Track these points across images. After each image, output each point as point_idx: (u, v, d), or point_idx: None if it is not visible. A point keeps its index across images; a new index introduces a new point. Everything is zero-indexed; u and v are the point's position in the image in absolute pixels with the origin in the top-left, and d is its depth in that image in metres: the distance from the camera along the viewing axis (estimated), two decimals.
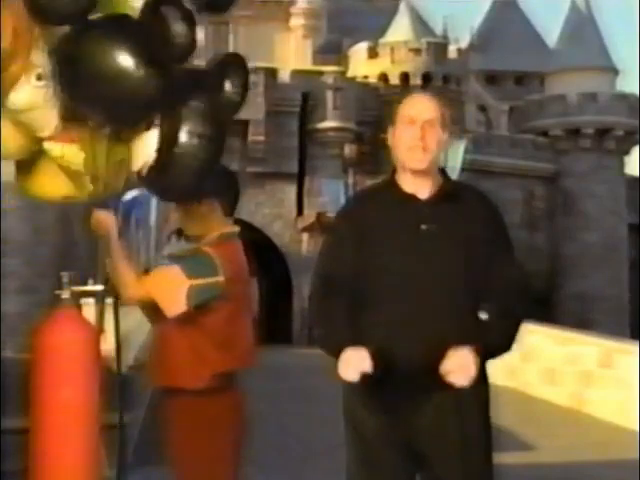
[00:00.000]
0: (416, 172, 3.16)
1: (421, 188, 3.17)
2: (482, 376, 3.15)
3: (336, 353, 3.05)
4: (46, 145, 3.09)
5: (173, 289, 3.50)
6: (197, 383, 3.58)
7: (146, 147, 3.10)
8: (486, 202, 3.25)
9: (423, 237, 3.11)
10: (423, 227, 3.12)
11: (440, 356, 3.03)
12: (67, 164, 3.12)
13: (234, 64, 3.21)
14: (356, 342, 3.01)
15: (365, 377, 2.98)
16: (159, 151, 3.03)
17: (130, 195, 12.37)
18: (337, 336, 3.09)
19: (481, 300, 3.14)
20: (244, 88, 3.20)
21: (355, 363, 2.98)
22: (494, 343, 3.10)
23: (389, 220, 3.14)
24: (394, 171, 3.23)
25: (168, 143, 3.01)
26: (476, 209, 3.19)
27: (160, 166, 3.05)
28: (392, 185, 3.21)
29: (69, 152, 3.10)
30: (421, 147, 3.13)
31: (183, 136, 3.02)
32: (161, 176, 3.08)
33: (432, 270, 3.08)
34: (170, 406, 3.65)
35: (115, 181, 3.27)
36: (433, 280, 3.08)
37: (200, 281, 3.52)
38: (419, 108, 3.17)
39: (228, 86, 3.14)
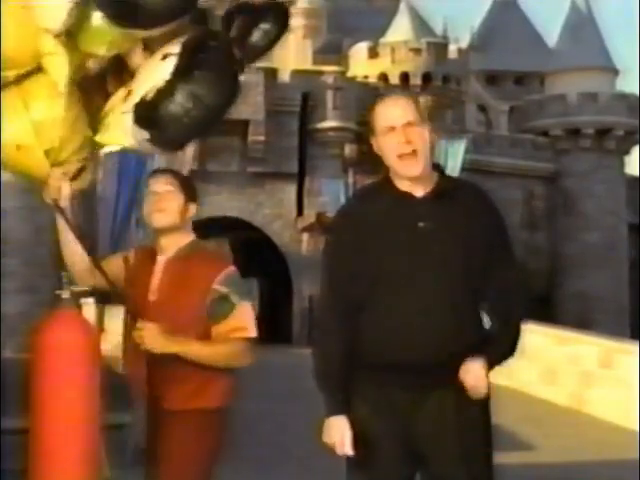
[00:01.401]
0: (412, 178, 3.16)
1: (416, 186, 3.16)
2: None
3: (326, 407, 3.15)
4: (45, 38, 2.97)
5: (254, 321, 3.54)
6: (215, 403, 3.56)
7: (152, 78, 3.02)
8: (483, 198, 3.24)
9: (420, 235, 3.10)
10: (420, 225, 3.11)
11: (439, 354, 3.04)
12: (51, 65, 3.01)
13: (272, 10, 3.10)
14: (352, 355, 3.10)
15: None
16: (164, 87, 2.95)
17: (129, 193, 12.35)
18: (331, 395, 3.14)
19: (480, 297, 3.14)
20: (277, 35, 3.10)
21: (338, 438, 3.10)
22: (499, 353, 3.14)
23: (386, 219, 3.13)
24: (388, 170, 3.21)
25: (173, 84, 2.95)
26: (473, 205, 3.18)
27: (156, 102, 2.98)
28: (388, 184, 3.19)
29: (58, 57, 3.00)
30: (410, 151, 3.11)
31: (182, 91, 2.97)
32: (154, 113, 3.01)
33: (430, 268, 3.07)
34: (168, 419, 3.56)
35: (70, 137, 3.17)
36: (431, 278, 3.07)
37: (250, 301, 3.60)
38: (394, 114, 3.12)
39: (258, 32, 3.06)
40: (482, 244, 3.12)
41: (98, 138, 3.20)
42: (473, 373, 3.04)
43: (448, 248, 3.09)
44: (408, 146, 3.11)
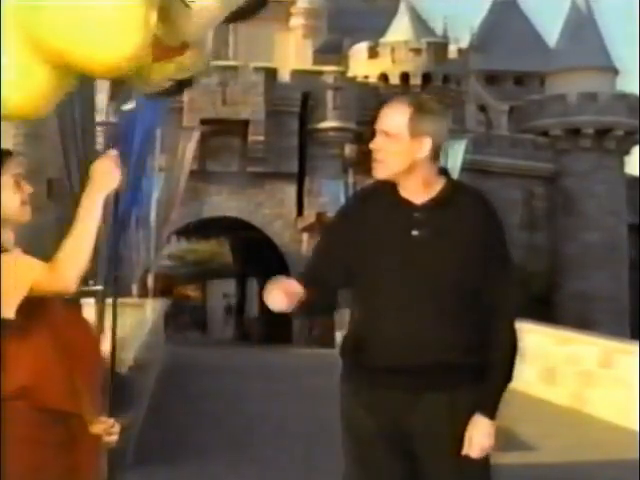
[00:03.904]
0: (400, 177, 3.14)
1: (415, 192, 3.15)
2: (478, 376, 3.16)
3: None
4: None
5: None
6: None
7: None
8: (483, 206, 3.21)
9: (414, 243, 3.10)
10: (414, 233, 3.11)
11: (425, 358, 3.05)
12: None
13: None
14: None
15: (303, 305, 3.14)
16: None
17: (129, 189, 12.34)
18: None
19: (477, 303, 3.12)
20: None
21: (278, 287, 3.08)
22: (498, 393, 3.22)
23: (382, 224, 3.14)
24: None
25: None
26: (472, 214, 3.16)
27: None
28: (389, 187, 3.19)
29: None
30: (374, 158, 3.14)
31: None
32: None
33: (421, 275, 3.07)
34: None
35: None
36: (421, 285, 3.07)
37: None
38: (380, 118, 3.15)
39: None
40: (478, 254, 3.10)
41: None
42: (481, 430, 3.09)
43: (440, 256, 3.08)
44: (377, 154, 3.14)
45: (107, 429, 3.08)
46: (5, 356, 2.88)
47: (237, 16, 3.07)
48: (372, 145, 3.14)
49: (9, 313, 2.86)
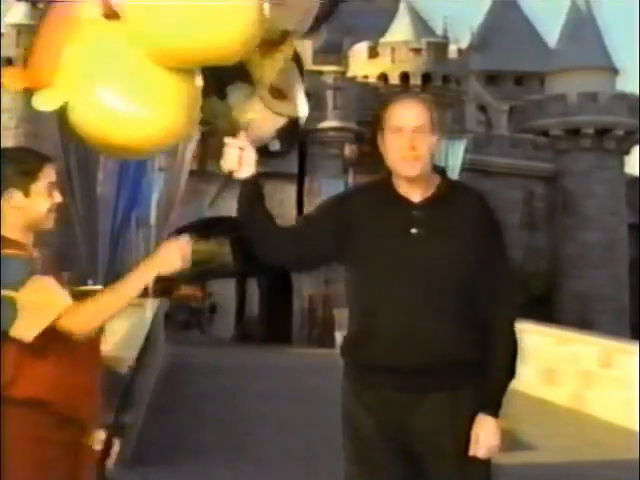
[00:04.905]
0: (409, 177, 3.15)
1: (415, 190, 3.15)
2: (479, 375, 3.15)
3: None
4: None
5: None
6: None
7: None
8: (482, 205, 3.21)
9: (412, 241, 3.10)
10: (413, 231, 3.11)
11: (424, 358, 3.05)
12: None
13: None
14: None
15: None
16: None
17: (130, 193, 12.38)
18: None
19: (475, 302, 3.12)
20: None
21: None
22: (501, 392, 3.19)
23: (380, 222, 3.13)
24: (390, 170, 3.21)
25: None
26: (471, 213, 3.16)
27: None
28: (387, 185, 3.19)
29: None
30: (412, 157, 3.11)
31: None
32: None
33: (422, 274, 3.07)
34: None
35: None
36: (423, 284, 3.06)
37: None
38: (406, 116, 3.12)
39: None
40: (477, 252, 3.10)
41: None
42: (487, 429, 3.11)
43: (440, 255, 3.08)
44: (411, 152, 3.11)
45: (97, 441, 3.10)
46: (20, 364, 2.91)
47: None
48: (410, 142, 3.10)
49: (28, 337, 2.86)
